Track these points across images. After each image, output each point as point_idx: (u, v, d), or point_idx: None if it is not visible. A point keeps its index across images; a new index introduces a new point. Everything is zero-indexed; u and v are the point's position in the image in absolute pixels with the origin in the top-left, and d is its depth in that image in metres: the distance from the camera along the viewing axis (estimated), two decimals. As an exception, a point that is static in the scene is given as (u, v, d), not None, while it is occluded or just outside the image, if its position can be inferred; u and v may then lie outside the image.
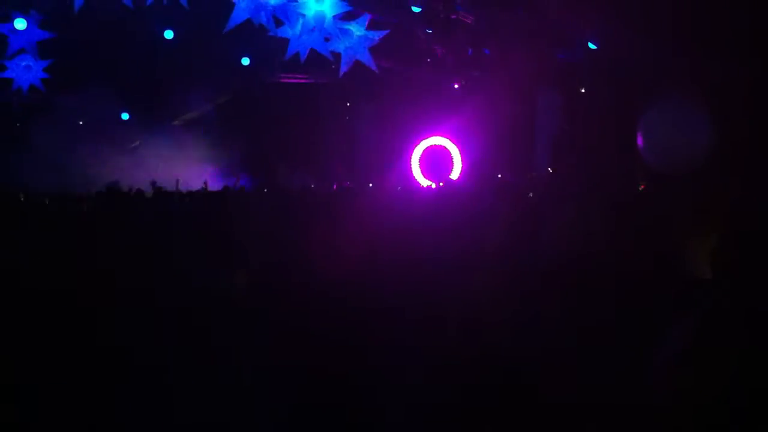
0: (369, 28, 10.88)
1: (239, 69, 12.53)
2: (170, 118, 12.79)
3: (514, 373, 3.81)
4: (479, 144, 12.19)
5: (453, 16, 11.79)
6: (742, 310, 3.30)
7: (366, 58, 11.02)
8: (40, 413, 3.75)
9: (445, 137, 12.68)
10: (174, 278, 4.72)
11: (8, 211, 6.35)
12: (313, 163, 12.67)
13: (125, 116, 12.73)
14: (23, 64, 11.21)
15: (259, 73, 12.55)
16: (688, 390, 3.17)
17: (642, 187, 8.10)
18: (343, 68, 11.06)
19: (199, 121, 12.88)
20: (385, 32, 11.06)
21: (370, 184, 12.05)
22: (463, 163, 12.60)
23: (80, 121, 12.32)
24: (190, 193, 7.53)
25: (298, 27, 10.64)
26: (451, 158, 12.67)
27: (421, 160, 12.73)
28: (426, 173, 12.55)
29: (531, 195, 7.73)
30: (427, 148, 12.75)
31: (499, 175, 12.19)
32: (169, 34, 12.06)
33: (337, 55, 10.98)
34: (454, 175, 12.54)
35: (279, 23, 10.71)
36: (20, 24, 10.98)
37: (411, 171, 12.66)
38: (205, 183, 8.58)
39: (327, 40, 10.85)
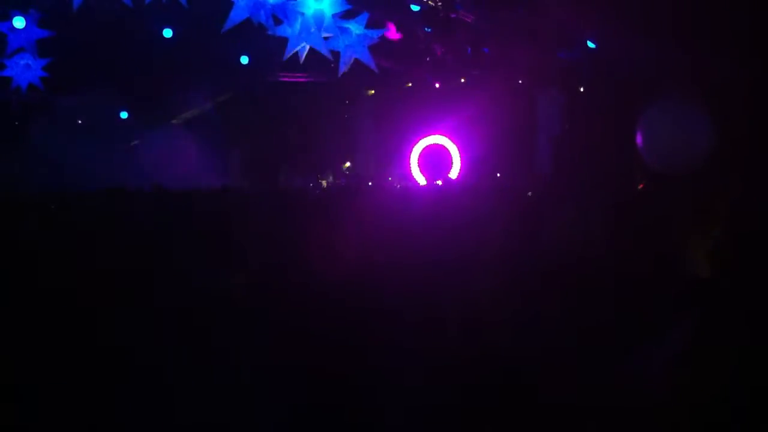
0: (368, 26, 10.88)
1: (238, 68, 12.53)
2: (169, 117, 12.80)
3: (514, 373, 3.82)
4: (478, 143, 12.21)
5: (453, 15, 11.77)
6: (741, 310, 3.31)
7: (365, 56, 11.01)
8: (39, 413, 3.75)
9: (444, 136, 12.70)
10: (174, 278, 4.72)
11: (7, 210, 6.34)
12: (312, 162, 12.69)
13: (124, 115, 12.74)
14: (22, 62, 11.18)
15: (258, 72, 12.55)
16: (687, 389, 3.18)
17: (641, 186, 8.12)
18: (342, 67, 11.06)
19: (198, 120, 12.90)
20: (383, 30, 11.06)
21: (370, 183, 12.08)
22: (462, 162, 12.61)
23: (79, 119, 12.33)
24: (190, 193, 7.52)
25: (298, 25, 10.63)
26: (451, 157, 12.68)
27: (420, 158, 12.74)
28: (425, 172, 12.57)
29: (530, 194, 7.74)
30: (427, 146, 12.76)
31: (498, 174, 12.21)
32: (168, 33, 12.05)
33: (336, 54, 10.97)
34: (454, 174, 12.55)
35: (278, 22, 10.70)
36: (19, 22, 10.95)
37: (410, 169, 12.68)
38: (206, 182, 8.59)
39: (326, 38, 10.84)
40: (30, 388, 3.84)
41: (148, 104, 12.24)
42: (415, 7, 11.85)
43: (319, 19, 10.48)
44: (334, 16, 10.57)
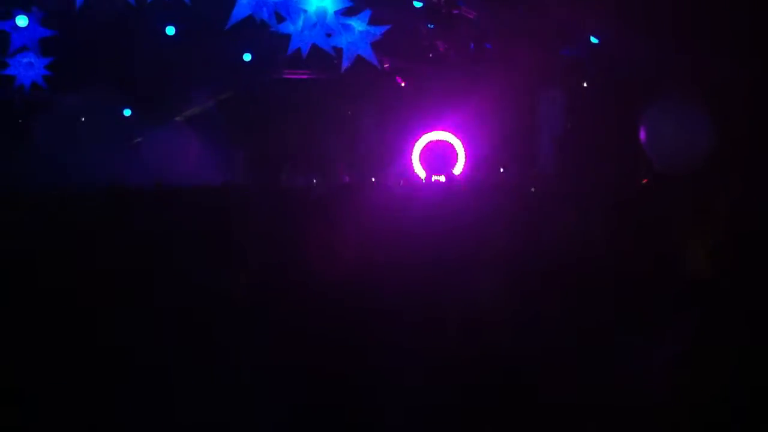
0: (370, 23, 10.87)
1: (241, 65, 12.52)
2: (172, 115, 12.79)
3: (514, 373, 3.81)
4: (481, 140, 12.18)
5: (455, 11, 11.75)
6: (741, 310, 3.30)
7: (368, 53, 11.00)
8: (39, 413, 3.75)
9: (447, 131, 12.65)
10: (174, 278, 4.73)
11: (8, 209, 6.34)
12: (314, 159, 12.68)
13: (127, 112, 12.74)
14: (25, 61, 11.18)
15: (261, 69, 12.54)
16: (687, 389, 3.17)
17: (645, 180, 8.10)
18: (345, 63, 11.04)
19: (200, 118, 12.88)
20: (386, 27, 11.04)
21: (372, 179, 12.06)
22: (466, 158, 12.57)
23: (82, 117, 12.34)
24: (192, 191, 7.51)
25: (300, 22, 10.63)
26: (455, 153, 12.64)
27: (423, 154, 12.71)
28: (428, 168, 12.53)
29: (532, 191, 7.73)
30: (429, 142, 12.72)
31: (502, 170, 12.18)
32: (170, 31, 12.05)
33: (339, 51, 10.96)
34: (457, 170, 12.52)
35: (281, 19, 10.69)
36: (22, 21, 10.96)
37: (412, 166, 12.65)
38: (207, 181, 8.58)
39: (329, 35, 10.83)
40: (30, 388, 3.85)
41: (150, 102, 12.23)
42: (417, 4, 11.83)
43: (321, 16, 10.48)
44: (336, 12, 10.56)
